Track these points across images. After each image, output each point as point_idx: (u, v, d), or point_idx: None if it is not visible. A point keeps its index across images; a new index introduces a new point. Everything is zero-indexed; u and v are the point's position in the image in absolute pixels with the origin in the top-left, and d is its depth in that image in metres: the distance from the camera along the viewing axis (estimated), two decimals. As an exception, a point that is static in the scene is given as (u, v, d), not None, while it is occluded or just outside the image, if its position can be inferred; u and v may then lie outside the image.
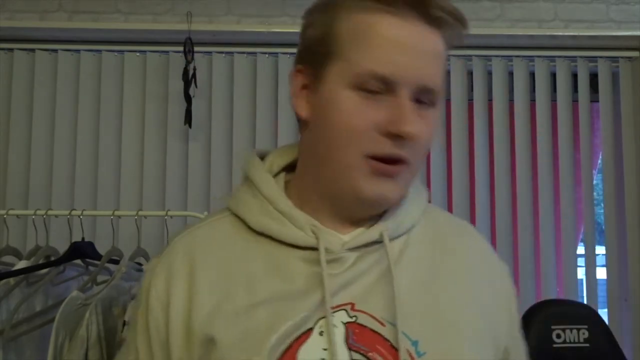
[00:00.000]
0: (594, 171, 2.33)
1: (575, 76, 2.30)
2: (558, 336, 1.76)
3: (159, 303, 0.73)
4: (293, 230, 0.73)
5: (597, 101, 2.29)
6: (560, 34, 2.23)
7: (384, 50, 0.68)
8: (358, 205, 0.73)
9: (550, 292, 2.20)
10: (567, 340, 1.76)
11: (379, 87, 0.68)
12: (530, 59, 2.28)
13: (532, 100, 2.29)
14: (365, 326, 0.68)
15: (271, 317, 0.67)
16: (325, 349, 0.66)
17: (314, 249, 0.71)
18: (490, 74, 2.29)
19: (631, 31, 2.23)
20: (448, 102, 2.28)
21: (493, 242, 2.22)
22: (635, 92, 2.28)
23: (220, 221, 0.79)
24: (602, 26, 2.25)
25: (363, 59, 0.68)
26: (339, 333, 0.67)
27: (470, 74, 2.30)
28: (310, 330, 0.67)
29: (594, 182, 2.34)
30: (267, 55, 2.25)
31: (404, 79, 0.68)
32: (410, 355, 0.66)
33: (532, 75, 2.29)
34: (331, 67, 0.70)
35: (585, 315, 1.82)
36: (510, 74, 2.30)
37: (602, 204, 2.30)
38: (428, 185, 2.24)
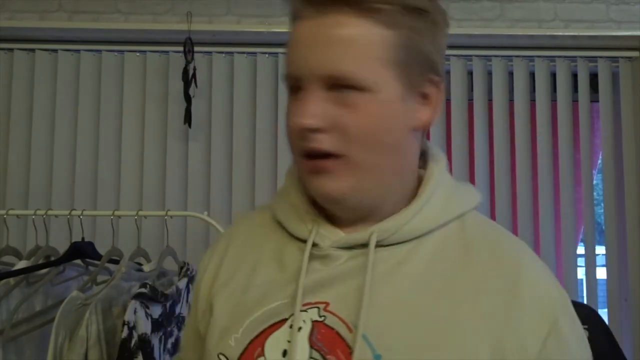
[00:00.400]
0: (594, 171, 2.33)
1: (575, 76, 2.30)
2: (558, 336, 1.76)
3: (201, 273, 0.83)
4: (297, 222, 0.75)
5: (597, 101, 2.29)
6: (560, 34, 2.23)
7: (289, 51, 0.70)
8: (322, 204, 0.73)
9: (550, 292, 2.19)
10: (567, 340, 1.75)
11: (296, 86, 0.69)
12: (530, 59, 2.29)
13: (532, 100, 2.29)
14: (332, 328, 0.67)
15: (257, 298, 0.72)
16: (289, 341, 0.68)
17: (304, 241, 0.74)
18: (490, 74, 2.29)
19: (631, 31, 2.23)
20: (448, 102, 2.28)
21: (493, 242, 2.22)
22: (635, 92, 2.28)
23: (264, 209, 0.84)
24: (602, 26, 2.25)
25: (284, 65, 0.72)
26: (306, 330, 0.68)
27: (470, 74, 2.30)
28: (284, 320, 0.69)
29: (594, 182, 2.34)
30: (267, 55, 2.25)
31: (304, 74, 0.68)
32: None
33: (532, 75, 2.30)
34: None
35: (585, 315, 1.81)
36: (510, 74, 2.30)
37: (602, 204, 2.30)
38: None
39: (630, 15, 2.25)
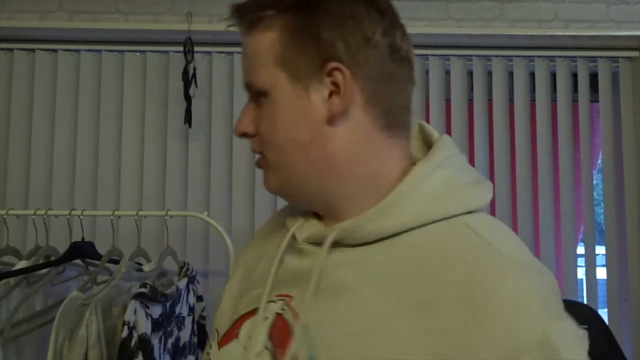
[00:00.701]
0: (594, 171, 2.33)
1: (575, 76, 2.30)
2: (558, 336, 1.76)
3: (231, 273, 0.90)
4: (291, 217, 0.77)
5: (597, 101, 2.29)
6: (560, 34, 2.23)
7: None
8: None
9: (550, 292, 2.19)
10: (567, 340, 1.75)
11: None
12: (530, 59, 2.29)
13: (532, 100, 2.29)
14: (287, 323, 0.69)
15: (247, 287, 0.79)
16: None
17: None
18: (490, 74, 2.30)
19: (631, 31, 2.23)
20: (448, 102, 2.28)
21: (493, 242, 2.22)
22: (635, 92, 2.28)
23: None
24: (602, 26, 2.25)
25: None
26: (269, 321, 0.70)
27: (470, 74, 2.30)
28: (258, 308, 0.72)
29: (594, 182, 2.34)
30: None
31: (246, 82, 0.74)
32: None
33: (532, 75, 2.30)
34: None
35: (585, 315, 1.81)
36: (510, 74, 2.30)
37: (602, 204, 2.30)
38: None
39: (630, 15, 2.25)
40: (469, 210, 0.70)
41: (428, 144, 0.77)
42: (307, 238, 0.72)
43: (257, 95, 0.72)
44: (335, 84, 0.68)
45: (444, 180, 0.71)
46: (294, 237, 0.73)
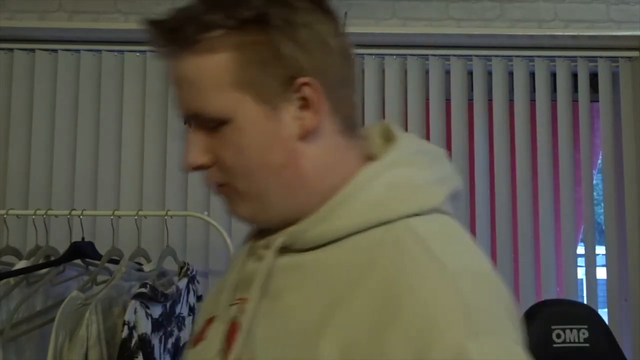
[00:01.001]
0: (594, 171, 2.33)
1: (575, 76, 2.30)
2: (558, 336, 1.76)
3: None
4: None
5: (597, 101, 2.29)
6: (560, 34, 2.23)
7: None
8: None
9: (550, 292, 2.20)
10: (567, 340, 1.76)
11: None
12: (530, 59, 2.29)
13: (532, 100, 2.29)
14: (239, 326, 0.67)
15: (222, 289, 0.76)
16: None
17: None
18: (490, 74, 2.29)
19: (631, 31, 2.23)
20: (448, 102, 2.28)
21: (493, 242, 2.23)
22: (635, 92, 2.28)
23: None
24: (602, 26, 2.25)
25: None
26: (225, 324, 0.70)
27: (470, 74, 2.30)
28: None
29: (594, 182, 2.34)
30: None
31: (180, 114, 0.69)
32: None
33: (532, 75, 2.30)
34: None
35: (585, 315, 1.82)
36: (510, 74, 2.30)
37: (602, 204, 2.30)
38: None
39: (630, 15, 2.25)
40: (414, 212, 0.65)
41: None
42: (263, 243, 0.70)
43: (209, 123, 0.66)
44: (304, 98, 0.65)
45: (391, 181, 0.67)
46: (256, 241, 0.71)
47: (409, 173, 0.68)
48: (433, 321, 0.55)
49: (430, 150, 0.74)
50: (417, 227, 0.64)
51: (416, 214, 0.65)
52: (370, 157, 0.70)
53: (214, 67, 0.64)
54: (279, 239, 0.67)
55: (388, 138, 0.73)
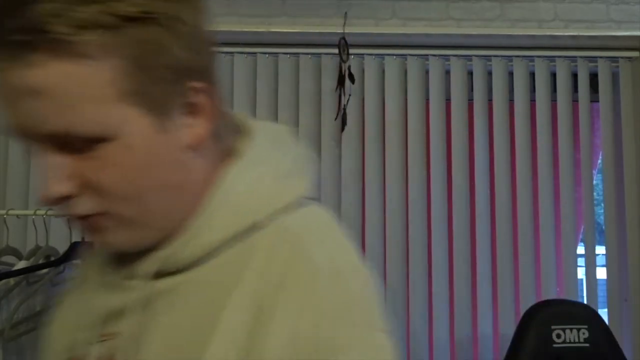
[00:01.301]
0: (594, 171, 2.33)
1: (575, 76, 2.30)
2: (558, 336, 1.76)
3: None
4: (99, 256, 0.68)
5: (597, 101, 2.29)
6: (560, 34, 2.23)
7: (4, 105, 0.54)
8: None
9: (550, 292, 2.20)
10: (567, 340, 1.76)
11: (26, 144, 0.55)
12: (530, 59, 2.29)
13: (532, 100, 2.29)
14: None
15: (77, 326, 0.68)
16: None
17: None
18: (490, 74, 2.29)
19: (631, 31, 2.23)
20: (448, 102, 2.28)
21: (493, 242, 2.23)
22: (635, 92, 2.28)
23: None
24: (602, 26, 2.25)
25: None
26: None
27: (470, 74, 2.30)
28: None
29: (594, 182, 2.34)
30: (267, 56, 2.25)
31: (23, 134, 0.54)
32: None
33: (532, 75, 2.30)
34: None
35: (585, 315, 1.82)
36: (510, 74, 2.30)
37: (602, 204, 2.30)
38: (428, 185, 2.24)
39: (630, 15, 2.25)
40: (281, 207, 0.61)
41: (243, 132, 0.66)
42: (126, 274, 0.62)
43: (77, 143, 0.53)
44: (194, 104, 0.57)
45: (251, 183, 0.61)
46: (114, 271, 0.63)
47: (268, 169, 0.62)
48: (301, 319, 0.55)
49: (284, 137, 0.68)
50: (290, 227, 0.60)
51: (285, 208, 0.61)
52: (227, 154, 0.63)
53: (91, 76, 0.51)
54: (151, 268, 0.60)
55: (241, 130, 0.67)
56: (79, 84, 0.51)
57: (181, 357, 0.57)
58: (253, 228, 0.59)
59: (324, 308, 0.56)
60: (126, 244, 0.60)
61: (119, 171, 0.55)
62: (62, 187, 0.54)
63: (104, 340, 0.61)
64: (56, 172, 0.54)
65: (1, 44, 0.50)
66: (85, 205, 0.56)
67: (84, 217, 0.57)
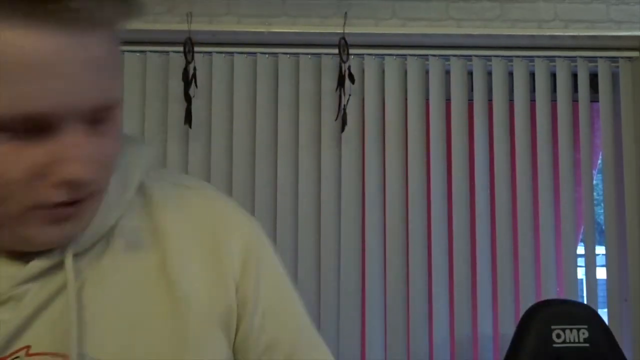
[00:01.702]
0: (594, 171, 2.33)
1: (575, 76, 2.30)
2: (558, 336, 1.76)
3: None
4: None
5: (597, 101, 2.29)
6: (560, 34, 2.23)
7: (26, 80, 0.47)
8: (30, 249, 0.57)
9: (550, 292, 2.20)
10: (567, 340, 1.76)
11: (31, 126, 0.49)
12: (530, 59, 2.29)
13: (532, 100, 2.29)
14: None
15: None
16: None
17: None
18: (490, 74, 2.29)
19: (631, 31, 2.23)
20: (448, 102, 2.28)
21: (493, 242, 2.23)
22: (635, 92, 2.28)
23: None
24: (602, 26, 2.25)
25: (4, 96, 0.47)
26: None
27: (470, 74, 2.30)
28: None
29: (594, 182, 2.34)
30: (267, 56, 2.25)
31: (67, 111, 0.49)
32: None
33: (532, 75, 2.30)
34: None
35: (585, 315, 1.82)
36: (510, 74, 2.30)
37: (602, 204, 2.30)
38: (428, 185, 2.24)
39: (630, 15, 2.25)
40: (143, 173, 0.65)
41: None
42: (23, 277, 0.56)
43: (103, 116, 0.53)
44: None
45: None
46: None
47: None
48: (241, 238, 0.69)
49: None
50: (163, 178, 0.69)
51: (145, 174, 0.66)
52: None
53: (113, 44, 0.53)
54: (69, 252, 0.57)
55: None
56: (111, 53, 0.52)
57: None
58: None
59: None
60: (77, 232, 0.57)
61: (117, 140, 0.55)
62: (93, 170, 0.51)
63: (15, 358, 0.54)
64: (84, 154, 0.51)
65: (79, 18, 0.48)
66: (92, 186, 0.53)
67: (72, 203, 0.53)
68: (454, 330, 2.19)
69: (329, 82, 2.22)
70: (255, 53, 2.25)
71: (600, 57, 2.28)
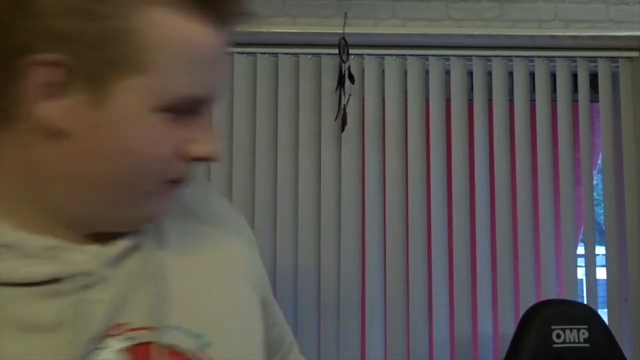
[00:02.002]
0: (594, 171, 2.33)
1: (575, 76, 2.30)
2: (558, 336, 1.76)
3: None
4: (22, 261, 0.54)
5: (597, 101, 2.29)
6: (560, 34, 2.23)
7: (202, 69, 0.56)
8: (129, 227, 0.60)
9: (550, 292, 2.20)
10: (567, 340, 1.76)
11: (189, 108, 0.56)
12: (530, 59, 2.29)
13: (532, 100, 2.29)
14: (147, 343, 0.56)
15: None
16: None
17: (56, 280, 0.54)
18: (490, 74, 2.29)
19: (631, 31, 2.23)
20: (448, 102, 2.28)
21: (493, 242, 2.23)
22: (635, 92, 2.28)
23: None
24: (602, 26, 2.25)
25: (180, 80, 0.54)
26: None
27: (470, 74, 2.30)
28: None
29: (594, 182, 2.34)
30: (267, 56, 2.25)
31: (214, 97, 0.58)
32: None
33: (532, 75, 2.30)
34: (127, 81, 0.52)
35: (585, 315, 1.82)
36: (510, 74, 2.30)
37: (602, 204, 2.30)
38: (428, 185, 2.24)
39: (630, 15, 2.25)
40: None
41: None
42: (108, 258, 0.57)
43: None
44: None
45: None
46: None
47: None
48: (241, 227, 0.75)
49: None
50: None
51: None
52: None
53: None
54: (144, 236, 0.61)
55: None
56: None
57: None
58: None
59: None
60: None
61: None
62: (219, 151, 0.60)
63: (117, 335, 0.55)
64: (212, 136, 0.59)
65: (226, 24, 0.57)
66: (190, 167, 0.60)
67: (177, 181, 0.60)
68: (454, 330, 2.19)
69: (329, 82, 2.22)
70: (255, 53, 2.25)
71: (600, 57, 2.28)
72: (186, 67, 0.54)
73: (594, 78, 2.31)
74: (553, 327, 1.77)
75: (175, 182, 0.59)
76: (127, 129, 0.53)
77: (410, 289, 2.20)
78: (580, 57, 2.28)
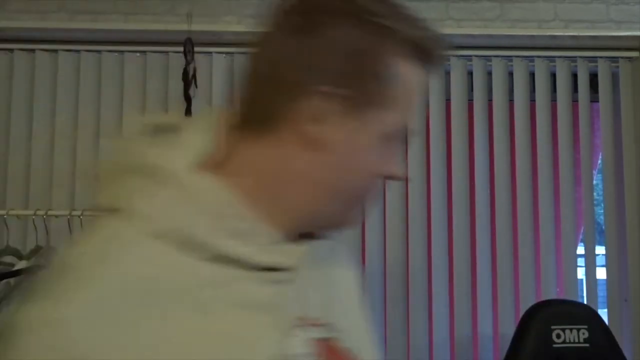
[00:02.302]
0: (594, 171, 2.33)
1: (575, 76, 2.30)
2: (558, 336, 1.76)
3: None
4: (255, 248, 0.62)
5: (597, 101, 2.29)
6: (560, 34, 2.23)
7: (417, 105, 0.69)
8: (336, 229, 0.72)
9: (550, 292, 2.20)
10: (567, 340, 1.76)
11: (398, 134, 0.68)
12: (530, 59, 2.29)
13: (532, 100, 2.29)
14: (326, 339, 0.64)
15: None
16: None
17: (271, 268, 0.62)
18: (490, 74, 2.29)
19: (631, 31, 2.23)
20: (448, 102, 2.28)
21: (493, 242, 2.23)
22: (635, 92, 2.28)
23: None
24: (602, 26, 2.25)
25: (406, 114, 0.66)
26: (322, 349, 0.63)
27: (470, 74, 2.30)
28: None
29: (594, 182, 2.34)
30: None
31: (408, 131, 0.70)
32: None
33: (532, 75, 2.30)
34: (380, 113, 0.63)
35: (585, 315, 1.82)
36: (510, 74, 2.30)
37: (602, 204, 2.30)
38: (428, 185, 2.24)
39: (630, 15, 2.25)
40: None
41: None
42: (301, 257, 0.65)
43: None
44: None
45: None
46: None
47: None
48: None
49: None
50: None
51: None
52: None
53: None
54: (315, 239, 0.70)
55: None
56: None
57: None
58: None
59: None
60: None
61: None
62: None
63: (301, 326, 0.63)
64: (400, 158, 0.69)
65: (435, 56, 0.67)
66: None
67: (371, 194, 0.70)
68: (454, 330, 2.19)
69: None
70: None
71: (600, 57, 2.28)
72: (411, 104, 0.66)
73: (594, 78, 2.31)
74: (553, 327, 1.77)
75: (370, 194, 0.69)
76: (366, 150, 0.65)
77: (410, 289, 2.20)
78: (580, 57, 2.28)
